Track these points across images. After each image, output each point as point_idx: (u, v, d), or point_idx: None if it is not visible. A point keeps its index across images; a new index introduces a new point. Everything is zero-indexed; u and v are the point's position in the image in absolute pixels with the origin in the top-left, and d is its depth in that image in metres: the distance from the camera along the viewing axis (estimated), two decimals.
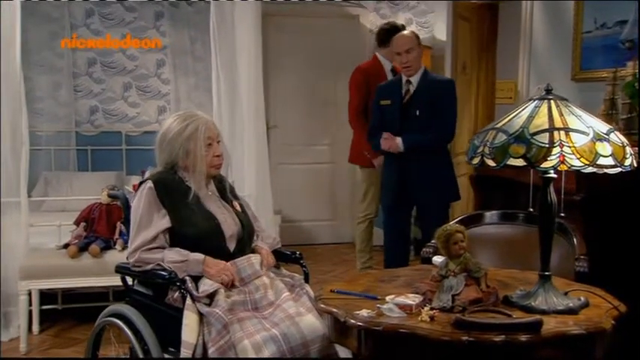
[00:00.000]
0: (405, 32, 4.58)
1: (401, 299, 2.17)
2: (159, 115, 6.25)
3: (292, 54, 6.65)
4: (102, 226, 4.11)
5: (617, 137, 2.05)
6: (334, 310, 2.20)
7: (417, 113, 4.27)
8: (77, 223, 4.19)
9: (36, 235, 4.37)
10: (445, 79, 4.65)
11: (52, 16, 5.98)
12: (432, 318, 2.07)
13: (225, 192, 2.85)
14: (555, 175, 2.18)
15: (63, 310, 4.50)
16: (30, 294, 4.18)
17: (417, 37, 4.46)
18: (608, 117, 3.78)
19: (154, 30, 6.23)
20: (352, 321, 2.11)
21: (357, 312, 2.14)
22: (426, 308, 2.12)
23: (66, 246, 4.10)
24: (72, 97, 6.10)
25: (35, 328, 4.29)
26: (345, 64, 6.66)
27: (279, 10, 6.49)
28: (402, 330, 2.01)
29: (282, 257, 2.92)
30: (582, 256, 2.88)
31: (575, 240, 3.04)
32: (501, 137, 2.07)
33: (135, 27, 6.18)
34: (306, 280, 2.79)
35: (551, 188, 2.20)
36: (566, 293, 2.25)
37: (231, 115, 4.67)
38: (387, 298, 2.20)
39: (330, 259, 6.14)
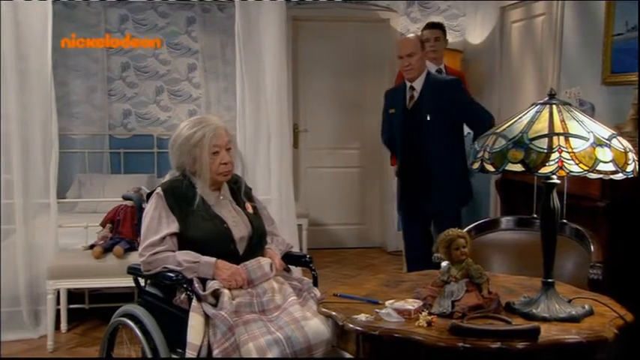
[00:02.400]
0: (410, 35, 4.58)
1: (400, 304, 2.17)
2: (189, 118, 6.33)
3: (323, 58, 6.68)
4: (126, 227, 4.19)
5: (620, 143, 2.01)
6: (333, 313, 2.21)
7: (428, 118, 4.18)
8: (103, 224, 4.29)
9: (66, 235, 4.49)
10: (450, 79, 4.54)
11: (89, 22, 6.13)
12: (429, 323, 2.07)
13: (240, 193, 2.88)
14: (559, 181, 2.15)
15: (90, 310, 4.61)
16: (59, 293, 4.31)
17: (421, 41, 4.37)
18: (637, 121, 3.71)
19: (185, 35, 6.34)
20: (350, 325, 2.12)
21: (356, 316, 2.14)
22: (423, 313, 2.11)
23: (92, 247, 4.20)
24: (106, 100, 6.25)
25: (63, 326, 4.40)
26: (376, 67, 6.70)
27: (309, 15, 6.53)
28: (396, 335, 2.00)
29: (293, 260, 2.94)
30: (597, 264, 2.83)
31: (592, 247, 2.97)
32: (501, 142, 2.05)
33: (167, 32, 6.30)
34: (315, 284, 2.81)
35: (554, 194, 2.17)
36: (570, 301, 2.21)
37: (255, 118, 4.71)
38: (387, 302, 2.19)
39: (355, 264, 6.14)
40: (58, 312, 4.38)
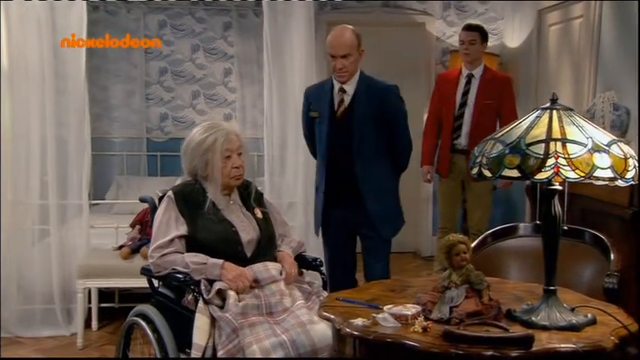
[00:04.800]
0: (345, 31, 3.59)
1: (398, 309, 2.17)
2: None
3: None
4: None
5: (620, 149, 1.97)
6: (332, 317, 2.22)
7: (360, 133, 3.51)
8: (132, 225, 4.39)
9: (99, 236, 4.61)
10: (388, 85, 3.68)
11: (129, 28, 6.29)
12: (424, 329, 2.06)
13: (250, 199, 2.92)
14: (560, 187, 2.12)
15: (119, 309, 4.71)
16: (90, 292, 4.43)
17: (358, 36, 3.61)
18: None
19: (221, 40, 6.43)
20: (347, 329, 2.12)
21: (353, 320, 2.15)
22: (419, 319, 2.10)
23: (121, 247, 4.30)
24: (144, 104, 6.40)
25: (94, 324, 4.53)
26: (411, 72, 6.65)
27: (344, 20, 6.43)
28: (389, 340, 2.00)
29: (304, 263, 2.95)
30: (615, 273, 2.76)
31: (612, 255, 2.91)
32: (498, 147, 2.03)
33: (204, 37, 6.41)
34: (325, 288, 2.82)
35: (556, 200, 2.14)
36: (573, 309, 2.17)
37: (283, 122, 4.76)
38: (385, 307, 2.19)
39: (391, 268, 6.08)
40: (89, 310, 4.51)
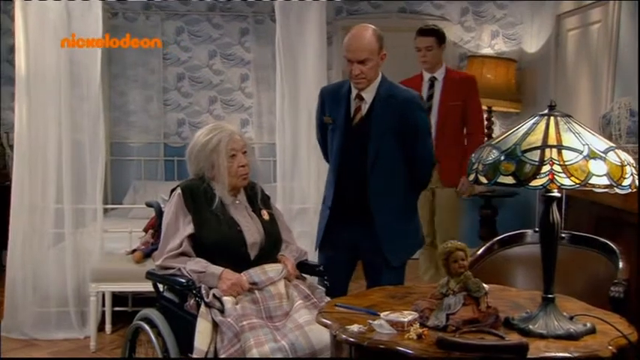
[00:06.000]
0: (365, 32, 3.20)
1: (394, 316, 2.16)
2: (241, 128, 6.45)
3: None
4: None
5: (617, 156, 1.95)
6: (329, 323, 2.22)
7: (376, 145, 3.17)
8: (146, 230, 4.43)
9: (114, 240, 4.66)
10: (412, 95, 3.32)
11: (147, 35, 6.35)
12: (419, 336, 2.05)
13: (256, 200, 2.93)
14: (559, 195, 2.09)
15: (133, 313, 4.73)
16: (103, 296, 4.48)
17: (380, 38, 3.23)
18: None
19: (238, 46, 6.48)
20: (342, 335, 2.12)
21: (349, 326, 2.15)
22: (415, 326, 2.09)
23: (134, 252, 4.34)
24: (162, 110, 6.47)
25: (108, 328, 4.56)
26: None
27: None
28: (382, 346, 2.00)
29: (307, 269, 2.96)
30: (622, 282, 2.72)
31: (620, 263, 2.87)
32: (494, 154, 2.02)
33: (221, 43, 6.47)
34: (328, 294, 2.82)
35: (554, 207, 2.12)
36: (572, 318, 2.15)
37: (294, 127, 4.76)
38: (382, 314, 2.19)
39: (407, 275, 6.04)
40: (103, 314, 4.55)
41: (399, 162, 3.25)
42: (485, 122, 6.38)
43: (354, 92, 3.25)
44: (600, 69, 5.06)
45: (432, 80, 4.84)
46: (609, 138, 4.31)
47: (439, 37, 4.74)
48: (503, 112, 6.41)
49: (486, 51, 6.57)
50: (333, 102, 3.31)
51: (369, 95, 3.22)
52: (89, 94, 4.54)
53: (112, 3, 6.20)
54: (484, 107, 6.35)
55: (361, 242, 3.25)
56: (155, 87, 6.43)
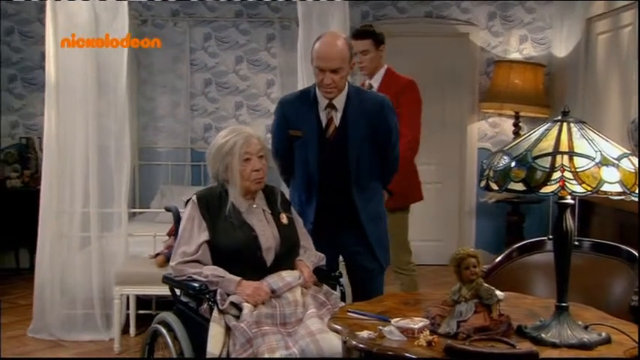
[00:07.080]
0: (337, 40, 3.09)
1: (405, 322, 2.15)
2: (266, 133, 6.47)
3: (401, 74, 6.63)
4: None
5: (630, 163, 1.91)
6: (339, 328, 2.22)
7: (356, 154, 3.12)
8: (169, 234, 4.46)
9: (139, 244, 4.71)
10: (380, 96, 3.32)
11: (175, 41, 6.48)
12: (429, 343, 2.03)
13: (275, 204, 2.94)
14: (572, 202, 2.06)
15: (156, 316, 4.79)
16: (128, 299, 4.53)
17: (351, 46, 3.16)
18: None
19: (264, 52, 6.52)
20: (352, 342, 2.12)
21: (359, 333, 2.14)
22: (425, 333, 2.08)
23: (157, 256, 4.38)
24: (189, 115, 6.54)
25: (132, 330, 4.62)
26: (454, 82, 6.60)
27: (387, 31, 6.41)
28: (390, 353, 1.99)
29: (323, 275, 2.95)
30: None
31: None
32: (505, 160, 2.00)
33: (247, 49, 6.52)
34: (343, 299, 2.81)
35: (568, 214, 2.08)
36: (587, 327, 2.11)
37: None
38: (392, 320, 2.18)
39: (429, 281, 6.02)
40: (127, 317, 4.61)
41: (377, 167, 3.24)
42: (513, 128, 6.35)
43: (322, 102, 3.14)
44: (630, 73, 4.96)
45: (370, 87, 4.21)
46: (638, 143, 4.25)
47: (376, 38, 4.21)
48: (531, 118, 6.32)
49: (515, 56, 6.50)
50: (298, 114, 3.18)
51: (339, 103, 3.13)
52: (116, 100, 4.61)
53: (140, 10, 6.29)
54: (511, 112, 6.33)
55: (352, 253, 3.27)
56: (182, 92, 6.51)
